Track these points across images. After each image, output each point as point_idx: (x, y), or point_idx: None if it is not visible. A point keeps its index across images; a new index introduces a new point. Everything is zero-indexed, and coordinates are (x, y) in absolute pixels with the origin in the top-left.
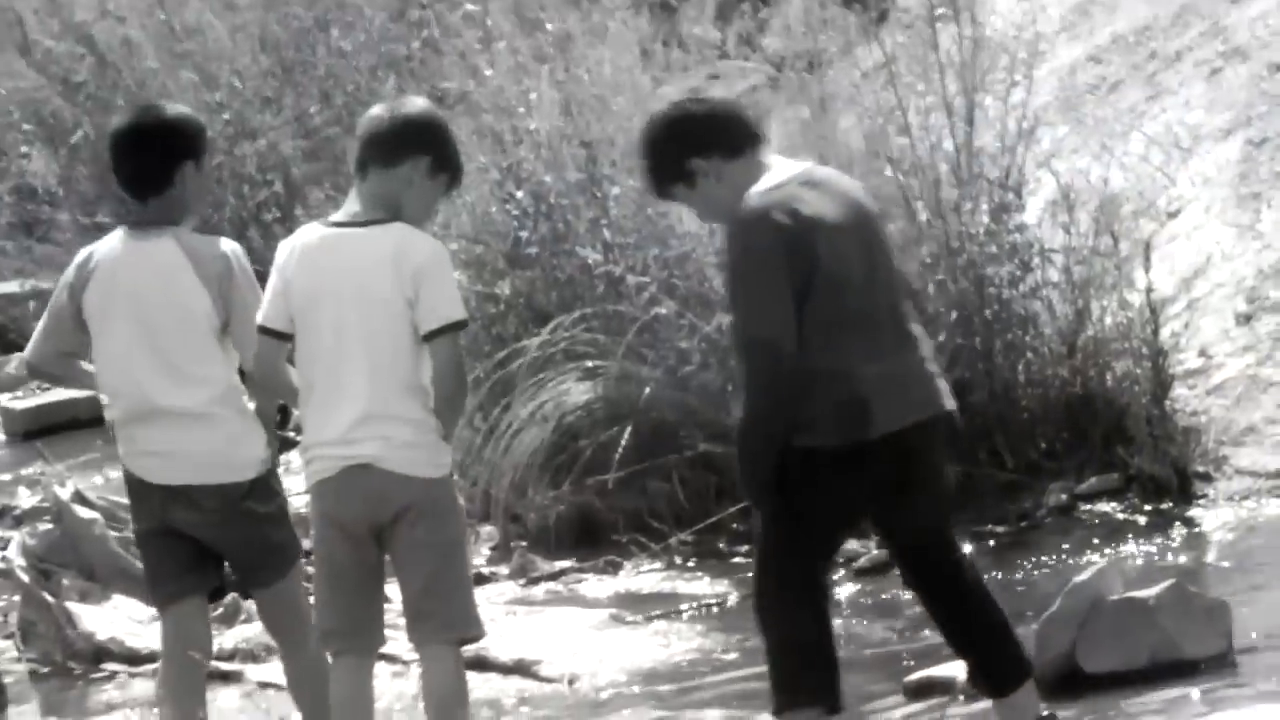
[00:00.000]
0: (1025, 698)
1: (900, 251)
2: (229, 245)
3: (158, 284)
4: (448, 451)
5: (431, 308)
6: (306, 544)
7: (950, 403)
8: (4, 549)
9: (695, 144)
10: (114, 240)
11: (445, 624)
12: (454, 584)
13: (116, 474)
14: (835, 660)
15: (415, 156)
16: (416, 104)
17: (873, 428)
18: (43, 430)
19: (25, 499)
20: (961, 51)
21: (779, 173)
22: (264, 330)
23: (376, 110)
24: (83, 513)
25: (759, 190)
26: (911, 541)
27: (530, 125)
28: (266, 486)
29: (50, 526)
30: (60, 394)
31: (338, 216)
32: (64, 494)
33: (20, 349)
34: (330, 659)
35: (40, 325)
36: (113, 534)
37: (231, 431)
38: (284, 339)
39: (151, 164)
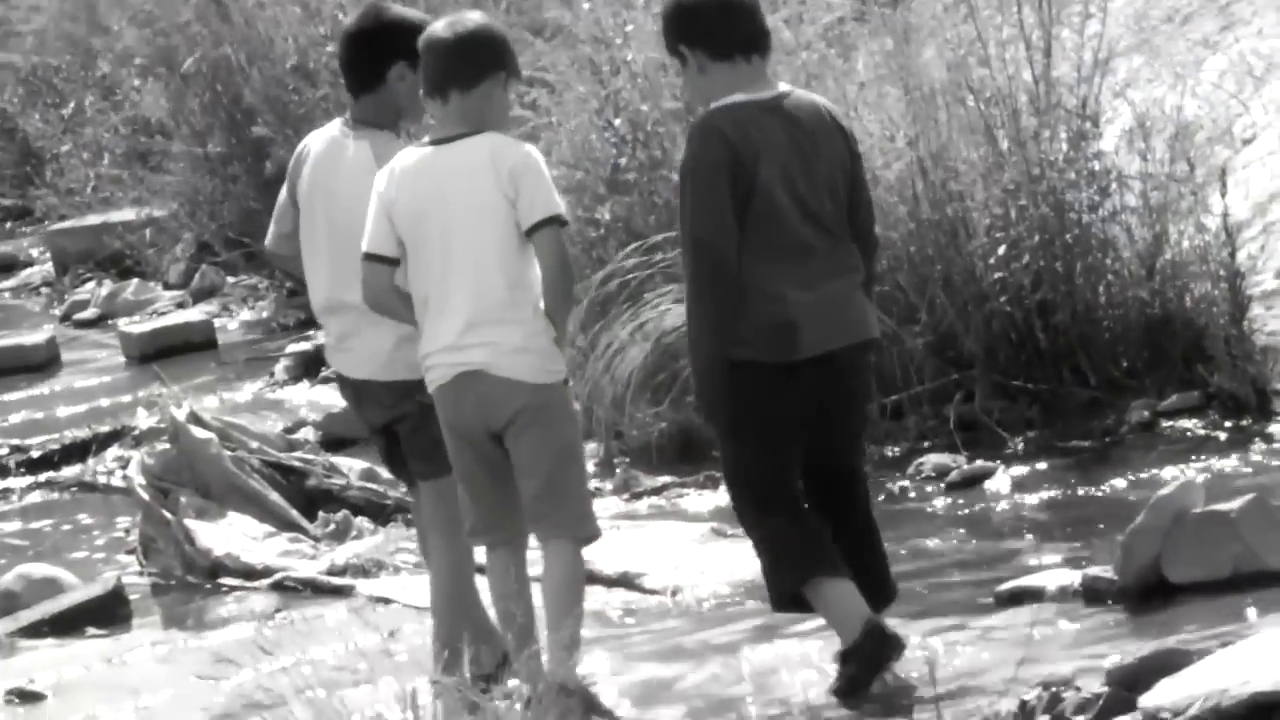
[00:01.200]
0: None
1: (982, 178)
2: None
3: (354, 183)
4: (560, 357)
5: (531, 204)
6: None
7: (874, 331)
8: (124, 468)
9: (685, 34)
10: (327, 132)
11: (561, 525)
12: (569, 487)
13: (230, 395)
14: (822, 554)
15: (491, 74)
16: (476, 19)
17: (799, 350)
18: (159, 353)
19: (143, 420)
20: None
21: (754, 90)
22: (370, 257)
23: (441, 32)
24: (198, 433)
25: (723, 104)
26: (819, 461)
27: (627, 56)
28: None
29: (167, 446)
30: (176, 318)
31: (429, 137)
32: (180, 414)
33: (136, 275)
34: (485, 553)
35: (274, 215)
36: (227, 453)
37: (402, 331)
38: (391, 264)
39: (363, 61)
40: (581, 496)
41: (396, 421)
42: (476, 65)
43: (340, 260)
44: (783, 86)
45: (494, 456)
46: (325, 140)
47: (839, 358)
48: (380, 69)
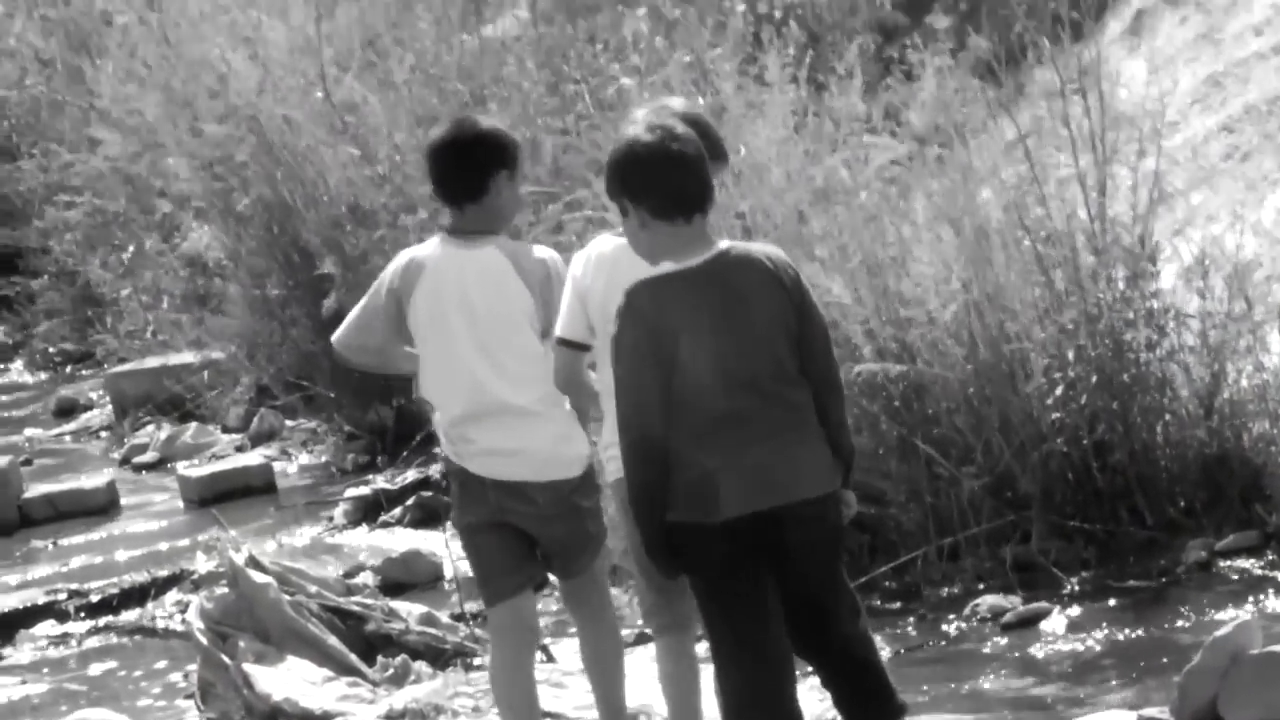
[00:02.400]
0: None
1: (1039, 318)
2: (547, 252)
3: (487, 288)
4: None
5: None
6: None
7: (818, 489)
8: (183, 612)
9: (629, 188)
10: (435, 246)
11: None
12: None
13: (289, 539)
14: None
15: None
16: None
17: (720, 511)
18: (218, 497)
19: (202, 564)
20: (1093, 124)
21: (689, 253)
22: (563, 342)
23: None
24: (257, 577)
25: (648, 278)
26: (789, 602)
27: None
28: (590, 481)
29: (226, 590)
30: (234, 461)
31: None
32: (239, 559)
33: (195, 419)
34: (655, 638)
35: (353, 317)
36: (286, 598)
37: (560, 430)
38: (583, 349)
39: (469, 173)
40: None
41: (546, 521)
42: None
43: (499, 365)
44: (720, 244)
45: None
46: (439, 256)
47: (774, 517)
48: (484, 179)
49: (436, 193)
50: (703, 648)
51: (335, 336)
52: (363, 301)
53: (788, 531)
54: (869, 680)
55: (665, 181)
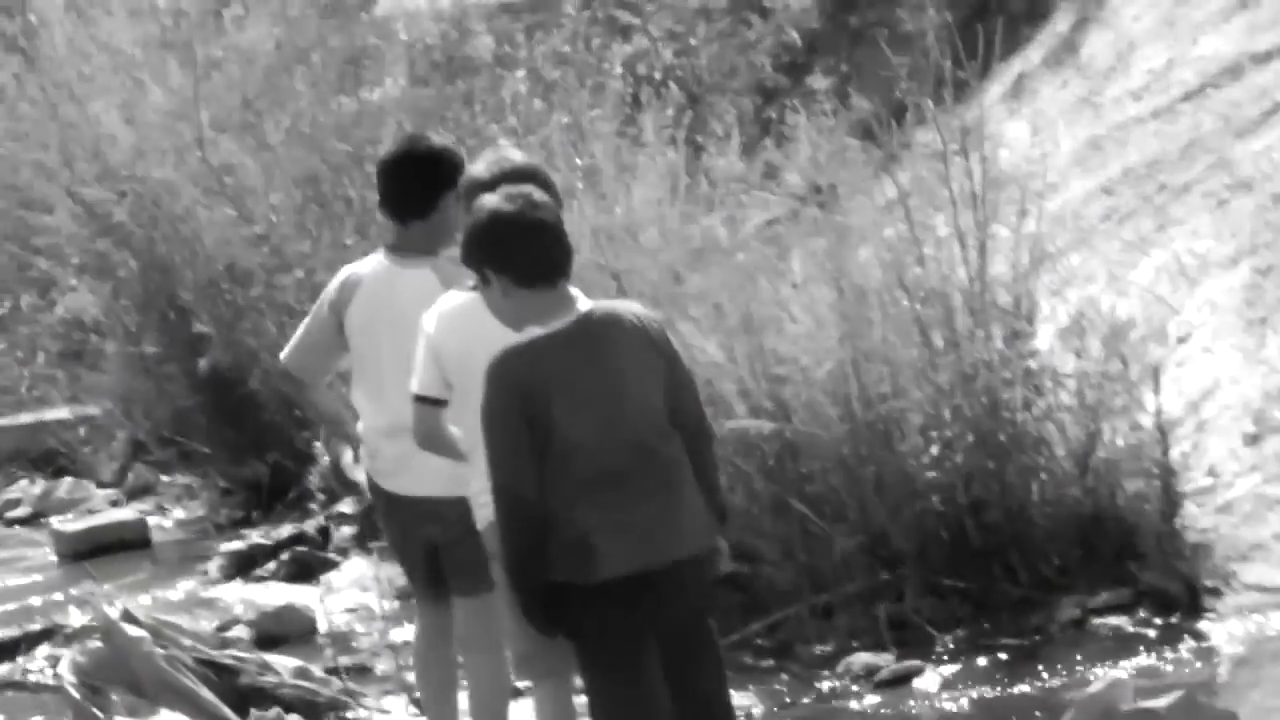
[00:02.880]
0: None
1: (916, 376)
2: None
3: (415, 309)
4: None
5: None
6: None
7: (696, 547)
8: (55, 666)
9: (490, 258)
10: (375, 262)
11: None
12: None
13: (163, 593)
14: None
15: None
16: (520, 156)
17: (598, 572)
18: (92, 551)
19: (75, 618)
20: (974, 185)
21: (553, 317)
22: (421, 399)
23: (483, 173)
24: (131, 631)
25: (516, 345)
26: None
27: None
28: None
29: (99, 644)
30: (109, 516)
31: (471, 281)
32: (112, 613)
33: (70, 474)
34: (534, 686)
35: (299, 334)
36: (160, 651)
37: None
38: (441, 405)
39: (416, 189)
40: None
41: (451, 539)
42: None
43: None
44: (582, 306)
45: None
46: (375, 271)
47: (650, 576)
48: (435, 196)
49: (384, 208)
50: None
51: (284, 357)
52: (306, 321)
53: (664, 592)
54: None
55: (527, 251)
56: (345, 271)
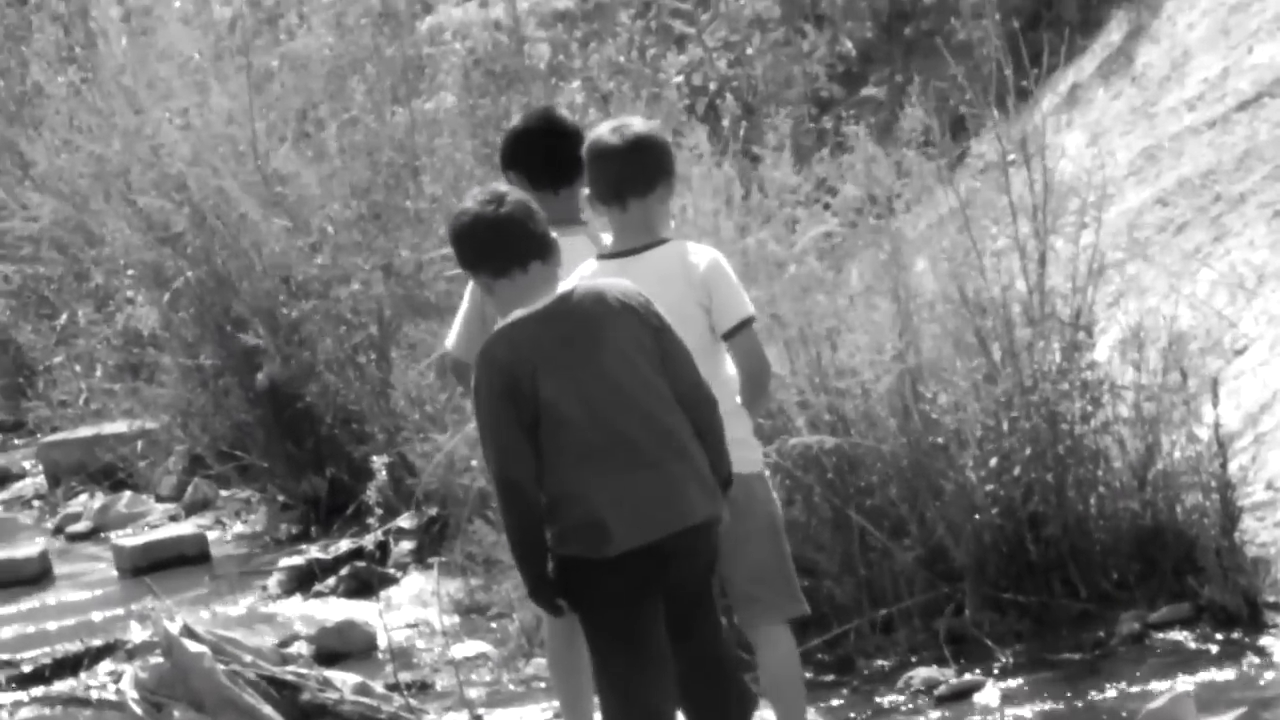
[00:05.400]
0: None
1: (975, 389)
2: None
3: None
4: (759, 447)
5: (726, 309)
6: None
7: (705, 514)
8: (117, 681)
9: (466, 259)
10: None
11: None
12: (780, 567)
13: (223, 609)
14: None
15: (665, 179)
16: (642, 124)
17: (611, 546)
18: (152, 566)
19: (136, 633)
20: (1033, 195)
21: (535, 299)
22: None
23: (612, 138)
24: (191, 646)
25: (500, 327)
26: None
27: None
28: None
29: (160, 660)
30: (168, 531)
31: (618, 245)
32: (173, 628)
33: (129, 488)
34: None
35: (460, 324)
36: (221, 667)
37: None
38: None
39: (571, 156)
40: (790, 576)
41: None
42: (653, 171)
43: None
44: (562, 287)
45: None
46: None
47: (663, 546)
48: (581, 165)
49: (534, 175)
50: None
51: (451, 347)
52: (463, 310)
53: (676, 559)
54: (725, 680)
55: (492, 244)
56: None
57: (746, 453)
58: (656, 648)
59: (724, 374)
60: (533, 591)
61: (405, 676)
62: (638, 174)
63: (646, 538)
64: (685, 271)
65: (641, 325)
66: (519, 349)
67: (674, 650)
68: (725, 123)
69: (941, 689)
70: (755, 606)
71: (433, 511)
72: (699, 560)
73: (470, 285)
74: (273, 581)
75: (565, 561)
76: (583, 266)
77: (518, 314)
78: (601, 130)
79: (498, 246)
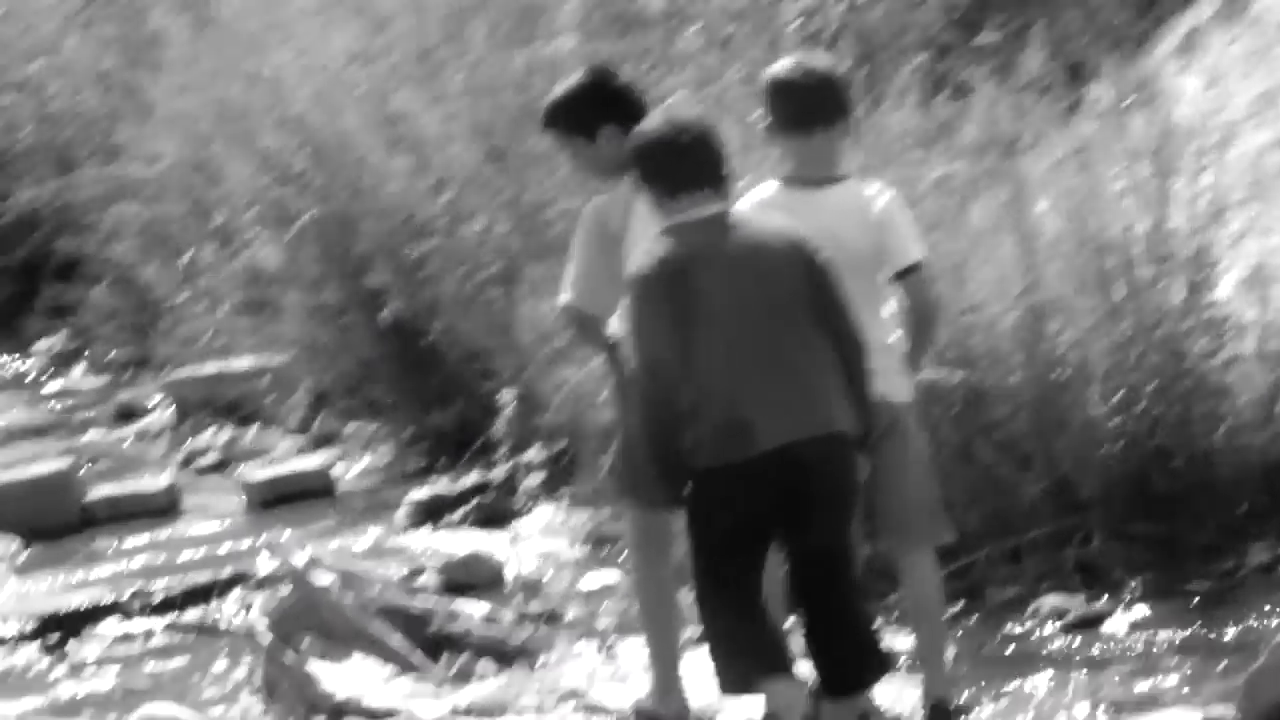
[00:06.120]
0: (858, 702)
1: (1098, 326)
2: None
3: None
4: (912, 376)
5: (901, 249)
6: None
7: (845, 425)
8: (247, 611)
9: (643, 174)
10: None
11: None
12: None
13: (349, 541)
14: (765, 654)
15: (848, 115)
16: (825, 60)
17: (755, 445)
18: (279, 499)
19: (264, 564)
20: (1151, 137)
21: (700, 212)
22: None
23: (794, 70)
24: (319, 578)
25: (665, 226)
26: (794, 544)
27: None
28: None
29: (289, 591)
30: (295, 464)
31: (799, 173)
32: (301, 560)
33: (256, 421)
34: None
35: (582, 275)
36: (348, 598)
37: None
38: None
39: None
40: (939, 504)
41: None
42: (840, 103)
43: None
44: (716, 207)
45: None
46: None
47: (801, 451)
48: (596, 127)
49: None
50: None
51: (573, 299)
52: (580, 260)
53: (807, 470)
54: (860, 636)
55: (668, 164)
56: (598, 205)
57: (901, 381)
58: (754, 572)
59: (883, 314)
60: (661, 476)
61: (534, 607)
62: (828, 103)
63: (791, 436)
64: (861, 209)
65: (795, 252)
66: (683, 242)
67: (810, 612)
68: (845, 67)
69: (1069, 617)
70: (907, 532)
71: (561, 445)
72: (834, 473)
73: (582, 236)
74: (400, 514)
75: (704, 473)
76: (762, 187)
77: (679, 217)
78: (785, 63)
79: (672, 170)
